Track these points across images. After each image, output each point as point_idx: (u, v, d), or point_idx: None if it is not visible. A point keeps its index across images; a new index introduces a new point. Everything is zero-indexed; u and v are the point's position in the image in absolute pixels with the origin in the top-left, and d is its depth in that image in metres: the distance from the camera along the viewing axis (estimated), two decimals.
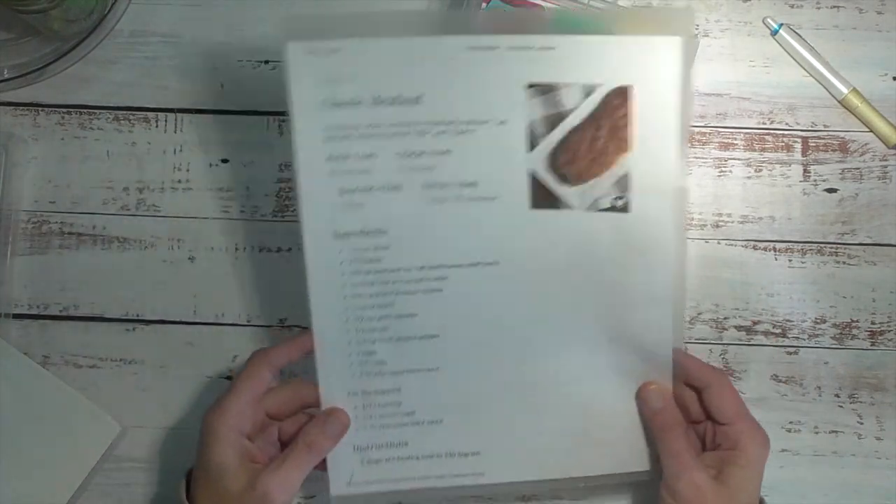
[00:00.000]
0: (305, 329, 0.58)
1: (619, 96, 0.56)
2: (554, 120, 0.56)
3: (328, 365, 0.59)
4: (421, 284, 0.58)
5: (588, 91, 0.56)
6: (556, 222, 0.58)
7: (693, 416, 0.60)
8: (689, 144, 0.69)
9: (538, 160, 0.57)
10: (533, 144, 0.57)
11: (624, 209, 0.57)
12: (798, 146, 0.69)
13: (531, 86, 0.56)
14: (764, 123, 0.69)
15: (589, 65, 0.56)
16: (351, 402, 0.59)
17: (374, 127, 0.56)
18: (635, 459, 0.60)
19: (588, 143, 0.57)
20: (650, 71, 0.56)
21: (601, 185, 0.57)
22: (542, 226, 0.58)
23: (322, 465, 0.60)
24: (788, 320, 0.68)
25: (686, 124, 0.56)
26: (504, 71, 0.56)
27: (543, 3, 0.62)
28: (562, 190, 0.57)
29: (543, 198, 0.57)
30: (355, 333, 0.58)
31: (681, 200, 0.57)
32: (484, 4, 0.62)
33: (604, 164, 0.57)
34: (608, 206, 0.57)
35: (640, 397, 0.59)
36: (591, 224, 0.57)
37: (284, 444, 0.60)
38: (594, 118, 0.56)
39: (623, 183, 0.57)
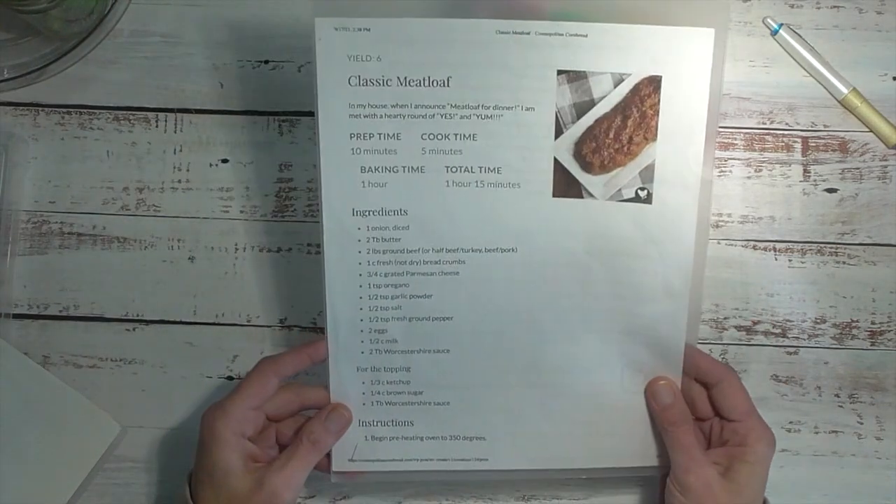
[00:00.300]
0: (311, 332, 0.58)
1: (650, 85, 0.56)
2: (582, 107, 0.56)
3: (339, 340, 0.59)
4: (438, 266, 0.59)
5: (618, 80, 0.56)
6: (578, 211, 0.58)
7: (699, 412, 0.60)
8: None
9: (564, 147, 0.57)
10: (559, 132, 0.57)
11: (647, 200, 0.57)
12: (798, 146, 0.69)
13: (561, 72, 0.56)
14: (764, 123, 0.69)
15: (620, 53, 0.56)
16: (359, 378, 0.60)
17: (401, 107, 0.56)
18: (642, 454, 0.60)
19: (615, 132, 0.57)
20: (682, 62, 0.56)
21: (625, 175, 0.57)
22: (564, 214, 0.58)
23: (323, 464, 0.60)
24: (788, 320, 0.68)
25: (715, 118, 0.56)
26: (534, 56, 0.56)
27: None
28: (585, 178, 0.57)
29: (566, 186, 0.58)
30: (368, 311, 0.59)
31: (706, 194, 0.57)
32: None
33: (629, 153, 0.57)
34: (631, 196, 0.58)
35: (650, 392, 0.59)
36: (613, 214, 0.58)
37: (282, 444, 0.60)
38: (622, 107, 0.56)
39: (647, 173, 0.57)
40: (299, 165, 0.69)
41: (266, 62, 0.70)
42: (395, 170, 0.57)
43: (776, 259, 0.68)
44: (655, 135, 0.57)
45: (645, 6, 0.56)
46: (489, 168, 0.57)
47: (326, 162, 0.57)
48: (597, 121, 0.57)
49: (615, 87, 0.56)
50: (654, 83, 0.56)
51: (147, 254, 0.69)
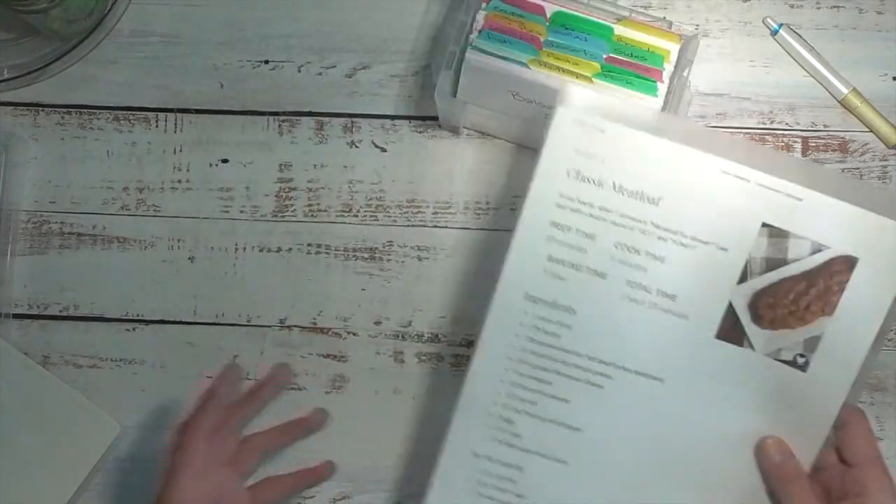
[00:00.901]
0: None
1: (844, 263, 0.56)
2: (773, 263, 0.57)
3: (469, 417, 0.58)
4: (585, 374, 0.58)
5: (816, 249, 0.56)
6: (733, 358, 0.57)
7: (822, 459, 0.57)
8: None
9: (742, 294, 0.57)
10: (743, 278, 0.57)
11: (803, 368, 0.57)
12: (798, 146, 0.69)
13: (765, 225, 0.56)
14: (764, 123, 0.69)
15: (827, 225, 0.56)
16: (472, 464, 0.58)
17: (606, 211, 0.57)
18: None
19: (795, 295, 0.57)
20: (882, 253, 0.56)
21: (790, 338, 0.57)
22: (719, 357, 0.57)
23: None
24: None
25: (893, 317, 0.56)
26: (746, 204, 0.56)
27: (545, 4, 0.63)
28: (752, 329, 0.58)
29: (731, 331, 0.57)
30: (505, 396, 0.58)
31: (862, 379, 0.56)
32: (484, 4, 0.63)
33: (802, 319, 0.57)
34: (789, 358, 0.57)
35: (760, 451, 0.56)
36: (765, 370, 0.57)
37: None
38: (811, 275, 0.57)
39: (812, 343, 0.57)
40: (299, 165, 0.69)
41: (266, 62, 0.70)
42: (579, 268, 0.57)
43: None
44: (833, 310, 0.56)
45: (861, 189, 0.57)
46: (666, 293, 0.57)
47: (519, 240, 0.57)
48: (783, 279, 0.57)
49: (811, 254, 0.56)
50: (848, 263, 0.56)
51: (147, 254, 0.69)
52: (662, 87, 0.61)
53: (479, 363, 0.58)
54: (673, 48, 0.62)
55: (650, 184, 0.56)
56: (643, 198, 0.57)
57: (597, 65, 0.62)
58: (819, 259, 0.57)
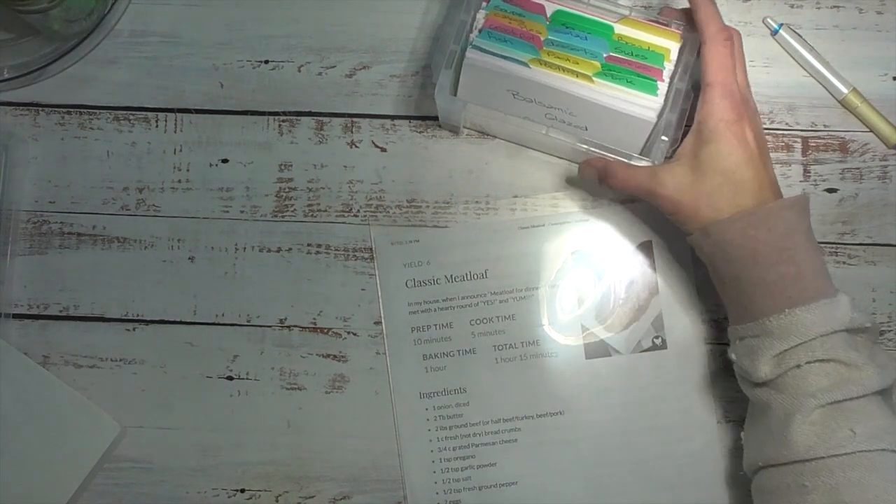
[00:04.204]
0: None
1: (644, 249, 0.67)
2: (598, 277, 0.67)
3: None
4: (498, 436, 0.67)
5: (620, 249, 0.67)
6: (609, 368, 0.66)
7: None
8: None
9: (588, 314, 0.67)
10: (581, 301, 0.67)
11: (664, 346, 0.67)
12: (798, 146, 0.69)
13: (574, 252, 0.67)
14: (764, 123, 0.69)
15: (617, 230, 0.67)
16: None
17: (450, 300, 0.67)
18: None
19: (626, 293, 0.67)
20: (664, 227, 0.66)
21: (641, 328, 0.67)
22: (597, 373, 0.66)
23: None
24: None
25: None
26: (550, 245, 0.67)
27: (546, 3, 0.63)
28: (609, 337, 0.67)
29: (595, 347, 0.67)
30: (443, 483, 0.66)
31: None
32: (484, 3, 0.62)
33: (640, 308, 0.67)
34: (650, 345, 0.67)
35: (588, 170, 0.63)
36: (637, 365, 0.66)
37: None
38: (629, 270, 0.67)
39: (658, 322, 0.67)
40: (299, 165, 0.69)
41: (266, 62, 0.70)
42: (451, 354, 0.67)
43: None
44: (657, 289, 0.67)
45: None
46: (529, 342, 0.67)
47: (393, 353, 0.67)
48: (609, 286, 0.67)
49: (617, 255, 0.67)
50: (647, 246, 0.67)
51: (147, 254, 0.69)
52: (662, 86, 0.61)
53: (409, 466, 0.66)
54: (673, 47, 0.62)
55: (472, 263, 0.67)
56: (473, 276, 0.67)
57: (597, 63, 0.62)
58: (626, 254, 0.67)
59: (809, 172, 0.69)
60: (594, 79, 0.61)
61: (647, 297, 0.67)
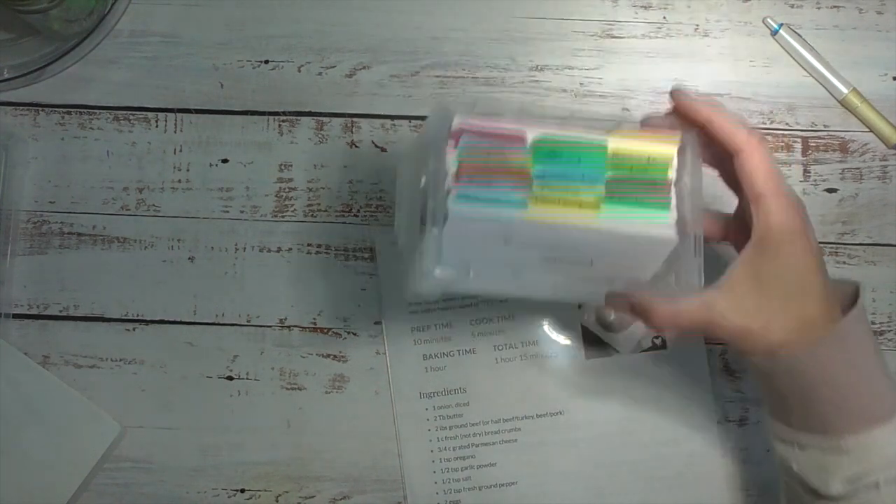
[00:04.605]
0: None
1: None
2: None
3: None
4: (498, 436, 0.67)
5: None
6: (609, 368, 0.66)
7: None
8: None
9: (587, 315, 0.67)
10: (580, 304, 0.67)
11: (663, 346, 0.67)
12: (798, 146, 0.69)
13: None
14: (764, 123, 0.69)
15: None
16: None
17: (450, 300, 0.67)
18: None
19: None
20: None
21: (641, 328, 0.66)
22: (598, 373, 0.66)
23: None
24: None
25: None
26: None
27: (524, 128, 0.51)
28: (610, 338, 0.67)
29: (596, 348, 0.67)
30: (443, 483, 0.66)
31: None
32: (451, 143, 0.50)
33: None
34: (649, 345, 0.67)
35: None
36: (638, 365, 0.66)
37: None
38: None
39: None
40: (299, 165, 0.69)
41: (266, 62, 0.70)
42: (451, 354, 0.67)
43: None
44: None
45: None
46: (528, 342, 0.67)
47: (392, 353, 0.67)
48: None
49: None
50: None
51: (147, 254, 0.69)
52: (674, 198, 0.52)
53: (409, 466, 0.66)
54: (673, 150, 0.52)
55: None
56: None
57: (600, 189, 0.51)
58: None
59: (809, 172, 0.69)
60: (603, 206, 0.51)
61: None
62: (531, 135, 0.52)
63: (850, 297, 0.52)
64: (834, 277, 0.52)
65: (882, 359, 0.51)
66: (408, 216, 0.51)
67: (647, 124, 0.54)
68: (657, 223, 0.52)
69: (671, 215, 0.52)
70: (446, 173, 0.50)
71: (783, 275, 0.50)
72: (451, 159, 0.51)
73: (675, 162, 0.53)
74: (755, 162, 0.50)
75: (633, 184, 0.52)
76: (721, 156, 0.52)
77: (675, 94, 0.52)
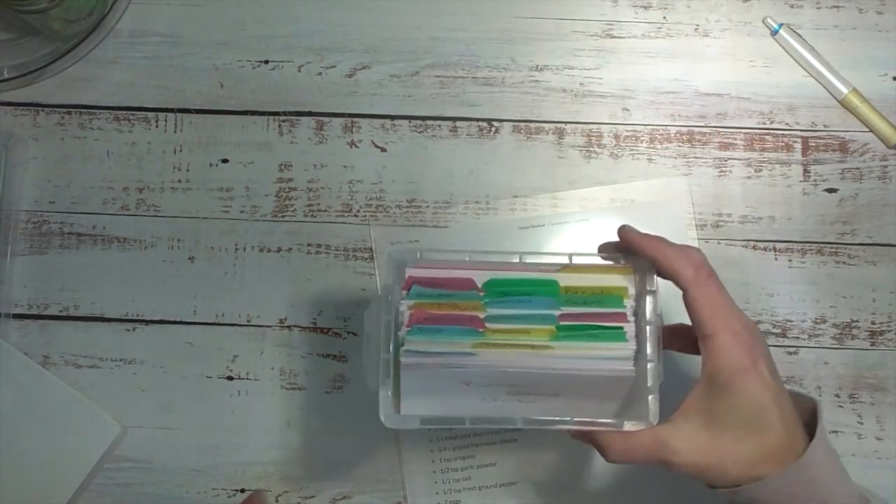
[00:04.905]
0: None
1: None
2: None
3: None
4: (498, 436, 0.66)
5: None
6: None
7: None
8: (690, 145, 0.69)
9: None
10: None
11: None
12: (798, 146, 0.69)
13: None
14: (764, 123, 0.69)
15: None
16: None
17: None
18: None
19: None
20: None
21: None
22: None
23: None
24: (788, 320, 0.68)
25: None
26: (550, 243, 0.65)
27: (474, 274, 0.53)
28: None
29: None
30: (443, 484, 0.66)
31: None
32: (404, 292, 0.52)
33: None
34: None
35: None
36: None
37: None
38: None
39: None
40: (299, 165, 0.69)
41: (266, 62, 0.70)
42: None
43: (776, 259, 0.68)
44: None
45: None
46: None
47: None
48: None
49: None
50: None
51: (147, 254, 0.69)
52: (630, 329, 0.52)
53: (408, 468, 0.66)
54: (628, 281, 0.52)
55: None
56: None
57: (551, 327, 0.52)
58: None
59: (809, 172, 0.69)
60: (552, 344, 0.51)
61: None
62: (481, 280, 0.52)
63: (810, 413, 0.52)
64: (791, 390, 0.51)
65: (847, 476, 0.51)
66: (374, 359, 0.52)
67: (605, 252, 0.54)
68: (614, 356, 0.52)
69: (629, 346, 0.52)
70: (401, 324, 0.51)
71: (735, 411, 0.49)
72: (404, 309, 0.52)
73: (630, 290, 0.53)
74: (701, 301, 0.50)
75: (588, 317, 0.52)
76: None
77: (621, 232, 0.53)
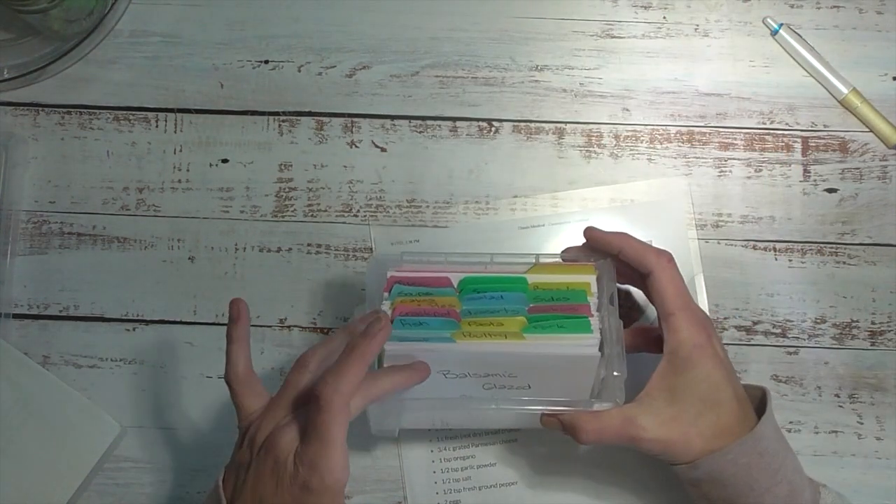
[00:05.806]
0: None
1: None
2: None
3: None
4: (498, 436, 0.66)
5: None
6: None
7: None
8: (690, 145, 0.69)
9: None
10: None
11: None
12: (798, 146, 0.69)
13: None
14: (764, 123, 0.69)
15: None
16: None
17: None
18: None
19: (625, 294, 0.66)
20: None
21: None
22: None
23: None
24: (788, 320, 0.68)
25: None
26: (550, 243, 0.67)
27: (450, 274, 0.59)
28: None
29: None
30: (443, 484, 0.66)
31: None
32: (385, 294, 0.58)
33: (640, 308, 0.67)
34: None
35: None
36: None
37: None
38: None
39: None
40: (299, 165, 0.69)
41: (266, 62, 0.70)
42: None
43: (776, 259, 0.68)
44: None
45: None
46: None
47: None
48: None
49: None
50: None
51: (147, 254, 0.69)
52: (595, 321, 0.57)
53: (408, 468, 0.66)
54: (591, 278, 0.59)
55: None
56: None
57: (522, 318, 0.57)
58: None
59: (809, 172, 0.69)
60: (524, 335, 0.56)
61: (646, 300, 0.66)
62: (457, 279, 0.59)
63: (759, 400, 0.57)
64: (743, 383, 0.57)
65: (792, 454, 0.56)
66: None
67: (567, 255, 0.60)
68: (581, 344, 0.56)
69: (594, 336, 0.57)
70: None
71: (695, 385, 0.54)
72: (386, 308, 0.57)
73: (593, 287, 0.59)
74: (664, 282, 0.56)
75: (555, 310, 0.58)
76: (639, 275, 0.57)
77: (587, 232, 0.59)
